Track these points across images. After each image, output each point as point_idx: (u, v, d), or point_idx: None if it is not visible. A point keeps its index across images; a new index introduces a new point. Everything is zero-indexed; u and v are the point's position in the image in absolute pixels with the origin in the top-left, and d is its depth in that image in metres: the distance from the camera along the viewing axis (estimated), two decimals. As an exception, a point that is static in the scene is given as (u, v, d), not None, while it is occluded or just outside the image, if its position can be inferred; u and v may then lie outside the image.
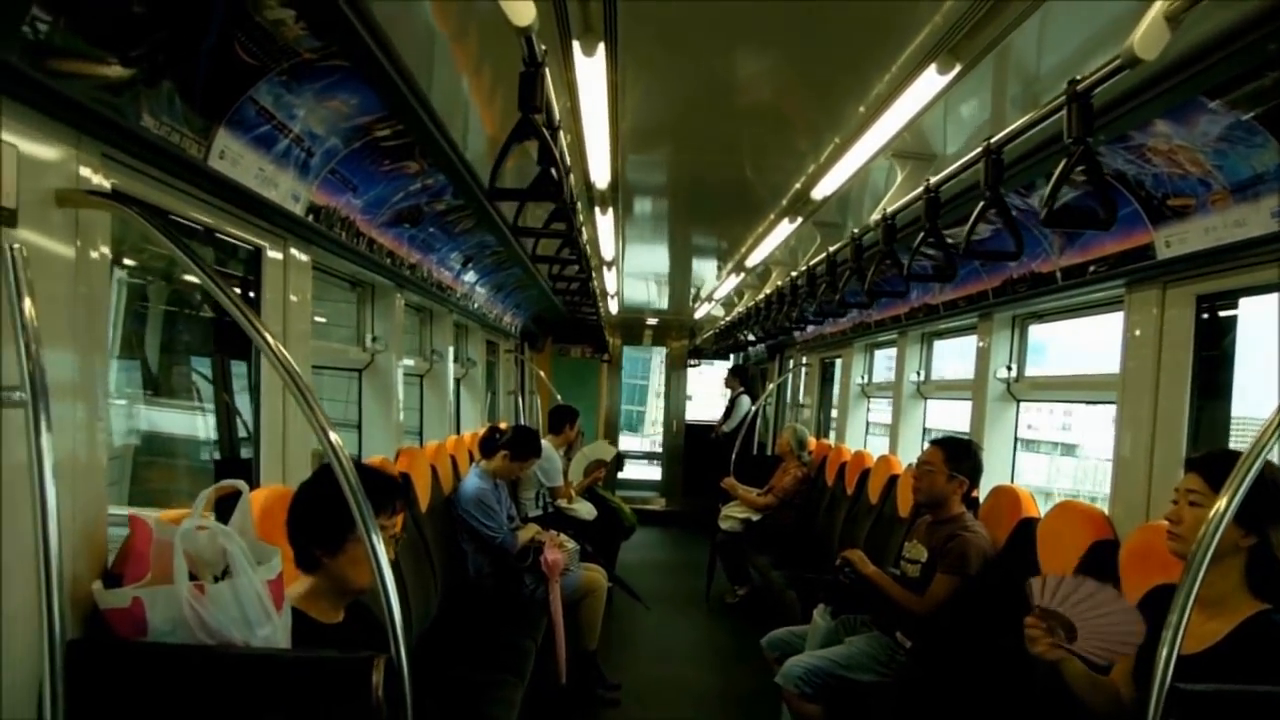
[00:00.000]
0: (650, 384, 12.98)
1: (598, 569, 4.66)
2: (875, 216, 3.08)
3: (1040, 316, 3.95)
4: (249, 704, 1.59)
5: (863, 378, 6.41)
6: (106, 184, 1.74)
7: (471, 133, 2.88)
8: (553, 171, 2.01)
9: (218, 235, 2.41)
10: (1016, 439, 4.17)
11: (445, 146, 2.70)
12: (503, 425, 5.85)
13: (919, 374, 5.30)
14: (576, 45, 1.92)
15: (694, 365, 10.70)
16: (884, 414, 6.16)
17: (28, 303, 1.40)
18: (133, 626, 1.63)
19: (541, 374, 8.70)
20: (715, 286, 7.02)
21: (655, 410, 12.70)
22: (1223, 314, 2.65)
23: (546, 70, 1.80)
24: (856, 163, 2.86)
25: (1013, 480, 4.01)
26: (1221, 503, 1.52)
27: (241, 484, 1.85)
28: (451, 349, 5.30)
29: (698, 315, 9.18)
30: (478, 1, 1.85)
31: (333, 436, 1.56)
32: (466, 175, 3.03)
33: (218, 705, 1.59)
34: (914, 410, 5.36)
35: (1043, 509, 3.17)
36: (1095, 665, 1.99)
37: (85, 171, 1.67)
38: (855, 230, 3.46)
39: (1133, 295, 2.82)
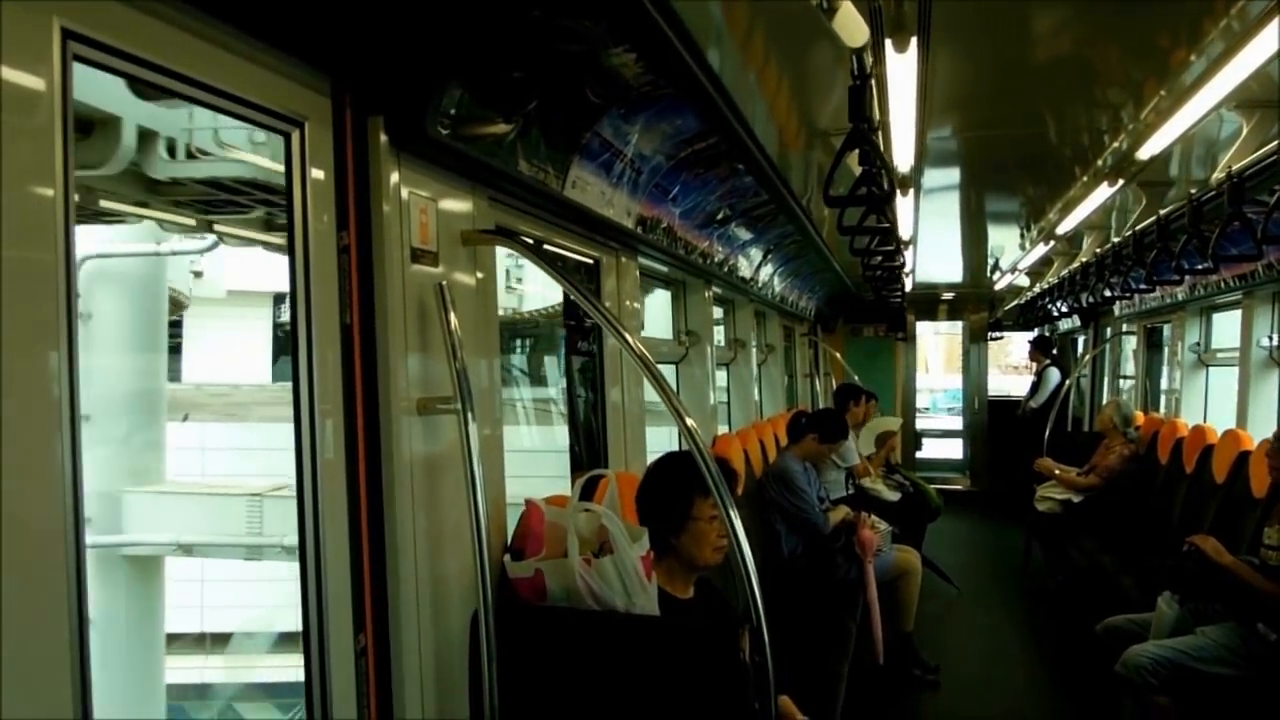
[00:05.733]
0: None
1: (911, 550, 4.62)
2: (1218, 175, 2.77)
3: None
4: (634, 663, 1.84)
5: (1199, 345, 5.75)
6: (492, 223, 2.08)
7: (771, 130, 2.98)
8: (875, 172, 2.06)
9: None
10: None
11: (754, 150, 2.84)
12: (803, 408, 5.96)
13: (1272, 338, 4.65)
14: (889, 43, 1.95)
15: (997, 338, 10.08)
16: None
17: (454, 324, 1.74)
18: (534, 593, 1.94)
19: (837, 355, 8.66)
20: (1019, 256, 6.58)
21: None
22: None
23: (873, 81, 1.86)
24: (1191, 118, 2.59)
25: None
26: None
27: (609, 472, 2.13)
28: (753, 335, 5.48)
29: (998, 286, 8.63)
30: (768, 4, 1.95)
31: (689, 422, 1.75)
32: (770, 172, 3.15)
33: (608, 662, 1.86)
34: (1266, 380, 4.73)
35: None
36: None
37: (479, 214, 2.01)
38: (1193, 191, 3.12)
39: None
